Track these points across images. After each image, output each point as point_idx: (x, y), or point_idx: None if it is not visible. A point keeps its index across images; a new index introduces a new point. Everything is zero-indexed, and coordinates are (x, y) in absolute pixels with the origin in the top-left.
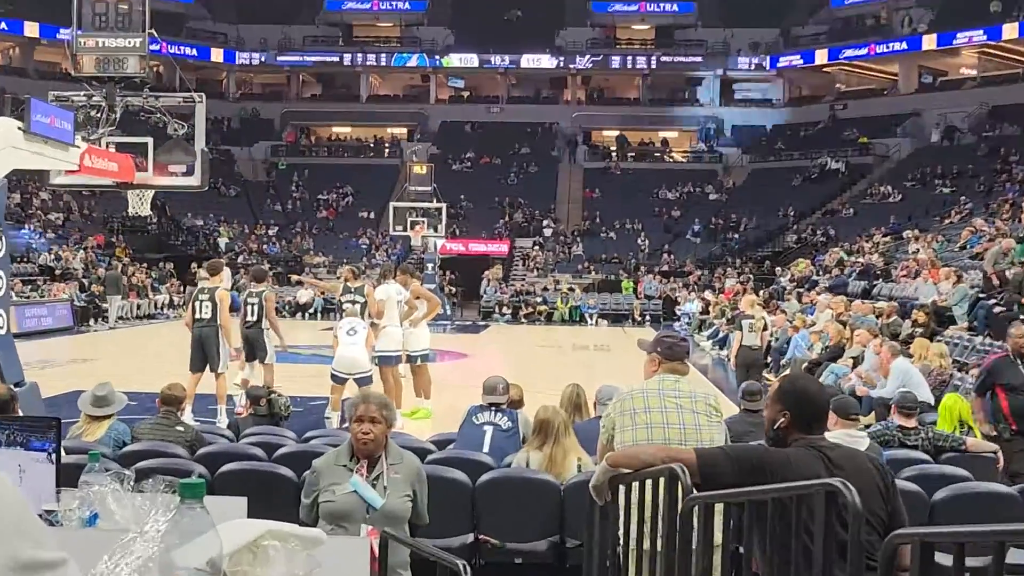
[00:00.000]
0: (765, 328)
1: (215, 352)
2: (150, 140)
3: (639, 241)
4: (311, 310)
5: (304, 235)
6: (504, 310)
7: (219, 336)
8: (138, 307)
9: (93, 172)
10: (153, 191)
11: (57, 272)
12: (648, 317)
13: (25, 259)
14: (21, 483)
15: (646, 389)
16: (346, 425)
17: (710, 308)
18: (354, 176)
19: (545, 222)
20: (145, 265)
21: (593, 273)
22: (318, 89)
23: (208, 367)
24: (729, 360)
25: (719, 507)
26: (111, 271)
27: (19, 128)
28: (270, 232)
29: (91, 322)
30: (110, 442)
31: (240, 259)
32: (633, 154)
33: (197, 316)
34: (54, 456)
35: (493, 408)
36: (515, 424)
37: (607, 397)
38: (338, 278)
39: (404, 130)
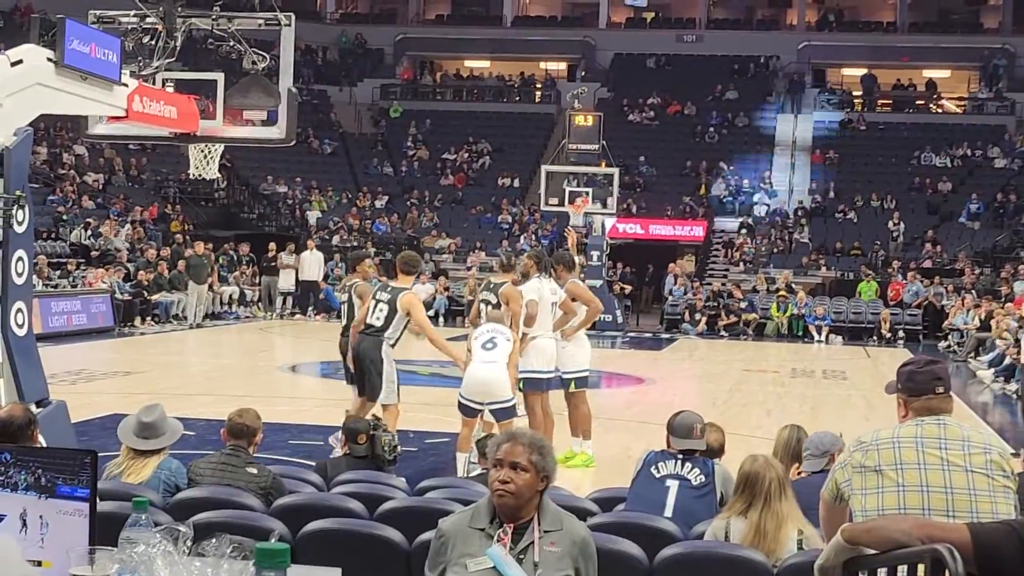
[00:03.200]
0: None
1: (377, 376)
2: (220, 76)
3: (890, 225)
4: (430, 311)
5: (423, 208)
6: (696, 318)
7: (383, 353)
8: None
9: (144, 119)
10: (222, 146)
11: (94, 253)
12: (902, 334)
13: (53, 235)
14: (31, 535)
15: (898, 437)
16: (478, 471)
17: (992, 323)
18: (493, 128)
19: (756, 196)
20: (209, 245)
21: (823, 269)
22: (446, 8)
23: (367, 395)
24: (1020, 398)
25: None
26: (194, 255)
27: (49, 59)
28: (377, 203)
29: (138, 321)
30: (160, 485)
31: (336, 240)
32: (885, 101)
33: (367, 321)
34: (87, 504)
35: (681, 456)
36: (711, 479)
37: (821, 449)
38: (468, 269)
39: (563, 66)
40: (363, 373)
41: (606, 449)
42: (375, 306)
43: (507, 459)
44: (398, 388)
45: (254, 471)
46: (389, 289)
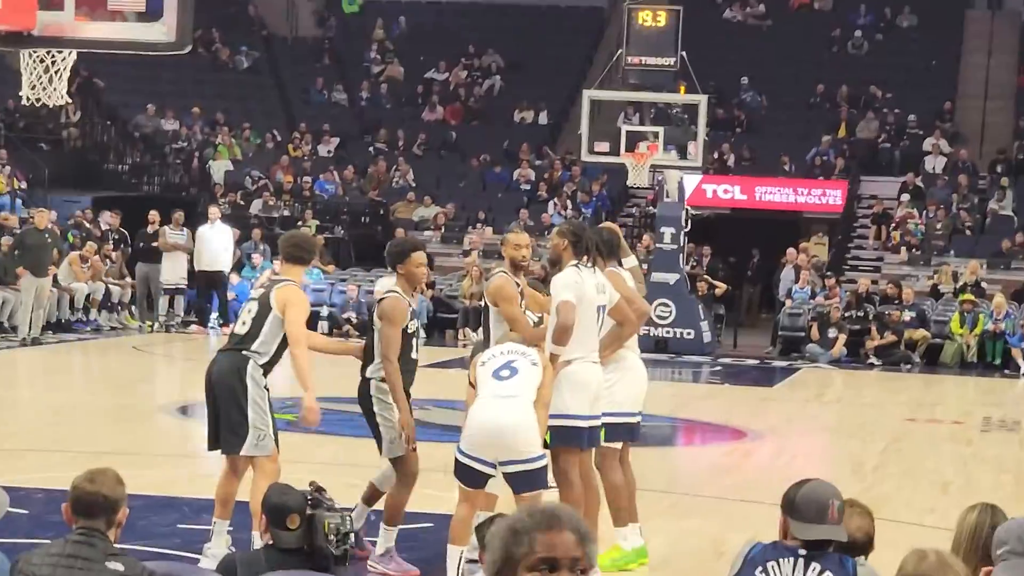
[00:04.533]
0: None
1: (238, 412)
2: None
3: None
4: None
5: (395, 158)
6: (831, 336)
7: (248, 376)
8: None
9: None
10: (74, 54)
11: None
12: None
13: None
14: None
15: None
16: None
17: None
18: (507, 32)
19: (930, 142)
20: (54, 215)
21: None
22: None
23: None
24: None
25: None
26: (31, 230)
27: None
28: (321, 150)
29: None
30: None
31: (255, 206)
32: None
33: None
34: None
35: (806, 553)
36: None
37: (1011, 544)
38: (466, 255)
39: None
40: (217, 411)
41: (683, 541)
42: (244, 307)
43: (562, 556)
44: (274, 430)
45: (119, 568)
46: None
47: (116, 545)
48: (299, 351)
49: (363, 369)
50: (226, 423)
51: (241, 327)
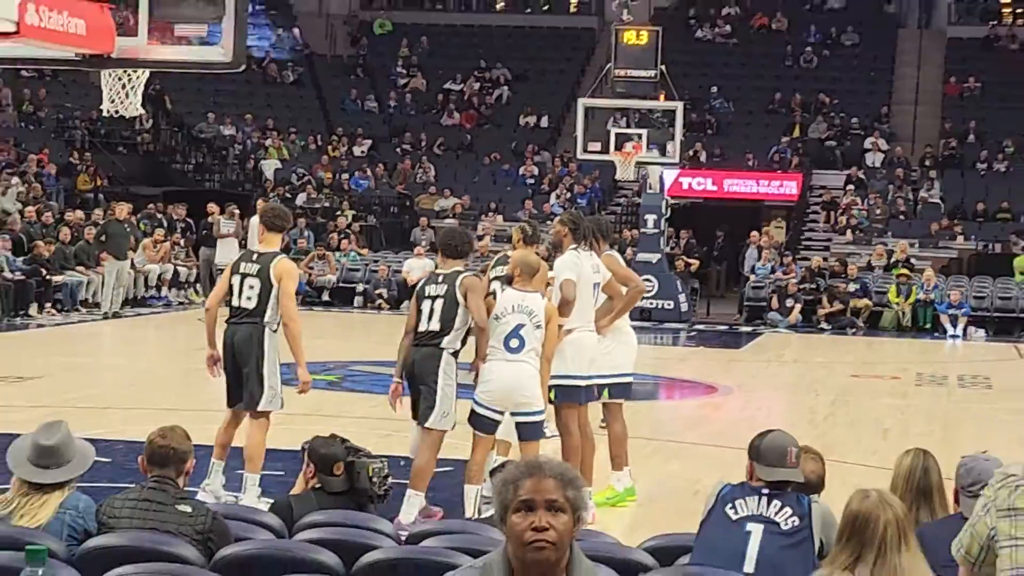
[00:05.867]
0: None
1: (256, 377)
2: None
3: None
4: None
5: (418, 157)
6: (788, 305)
7: (265, 346)
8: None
9: (42, 36)
10: (147, 73)
11: None
12: None
13: None
14: None
15: None
16: (490, 513)
17: None
18: (513, 49)
19: (870, 141)
20: (130, 207)
21: (960, 240)
22: None
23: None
24: None
25: None
26: (112, 220)
27: None
28: (356, 151)
29: (34, 309)
30: (63, 530)
31: (300, 199)
32: None
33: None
34: None
35: (768, 492)
36: (806, 522)
37: (979, 480)
38: (479, 239)
39: None
40: (238, 374)
41: (665, 482)
42: (241, 282)
43: (539, 497)
44: (280, 392)
45: (187, 509)
46: (256, 257)
47: (185, 490)
48: (293, 323)
49: (425, 340)
50: (248, 384)
51: (247, 302)
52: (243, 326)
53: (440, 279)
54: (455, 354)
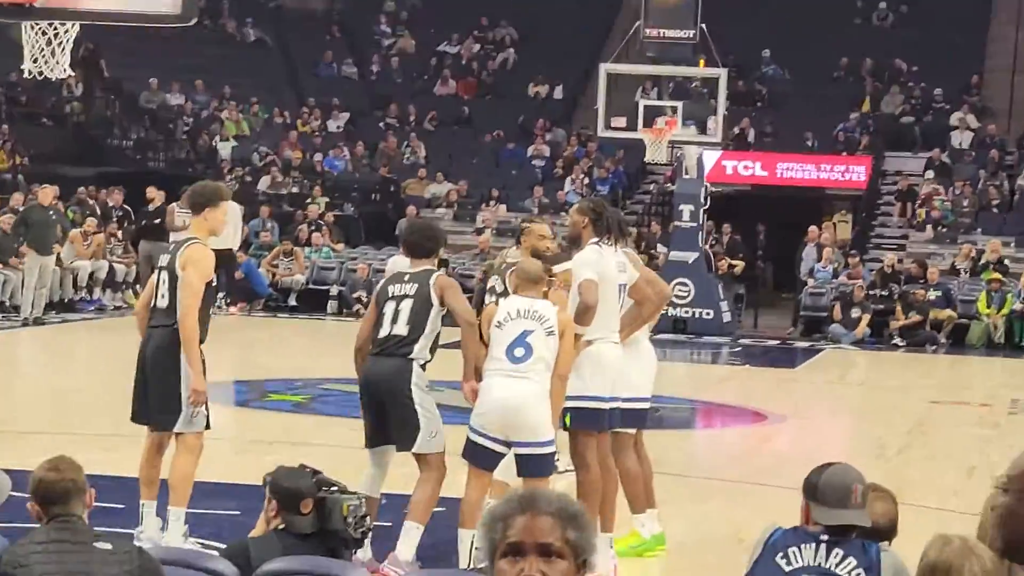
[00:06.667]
0: None
1: (170, 389)
2: None
3: None
4: None
5: (406, 134)
6: (854, 316)
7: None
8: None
9: None
10: (77, 26)
11: None
12: None
13: None
14: None
15: None
16: (483, 564)
17: None
18: (518, 5)
19: (956, 117)
20: (55, 191)
21: None
22: None
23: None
24: None
25: None
26: (34, 207)
27: None
28: (331, 126)
29: None
30: None
31: (263, 183)
32: None
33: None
34: None
35: (828, 539)
36: (874, 574)
37: None
38: (479, 233)
39: None
40: (147, 387)
41: (702, 526)
42: (158, 278)
43: (530, 540)
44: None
45: (107, 547)
46: (171, 247)
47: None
48: (190, 324)
49: (391, 348)
50: (159, 400)
51: (161, 300)
52: (156, 331)
53: (407, 278)
54: (423, 366)
